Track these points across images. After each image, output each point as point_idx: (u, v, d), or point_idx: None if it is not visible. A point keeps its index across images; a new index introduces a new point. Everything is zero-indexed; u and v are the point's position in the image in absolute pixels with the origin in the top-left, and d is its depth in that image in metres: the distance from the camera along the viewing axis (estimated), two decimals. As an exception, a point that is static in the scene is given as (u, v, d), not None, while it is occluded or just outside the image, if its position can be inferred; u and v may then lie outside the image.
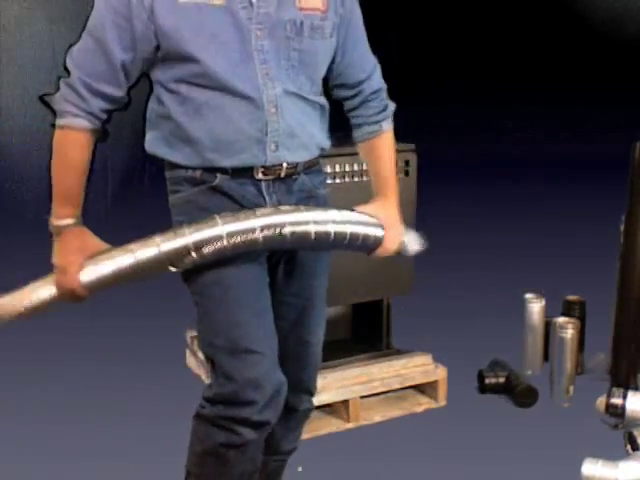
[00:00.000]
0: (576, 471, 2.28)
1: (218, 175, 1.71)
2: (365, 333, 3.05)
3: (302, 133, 1.74)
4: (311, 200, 1.83)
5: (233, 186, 1.72)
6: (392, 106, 1.92)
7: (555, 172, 6.69)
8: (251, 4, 1.63)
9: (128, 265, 1.61)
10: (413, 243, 1.91)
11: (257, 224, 1.64)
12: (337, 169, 2.69)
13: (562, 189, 6.16)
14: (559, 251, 4.68)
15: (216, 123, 1.67)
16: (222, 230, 1.62)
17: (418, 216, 2.83)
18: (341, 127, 1.98)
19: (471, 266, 4.44)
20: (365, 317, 3.04)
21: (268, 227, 1.65)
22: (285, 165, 1.73)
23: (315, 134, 1.79)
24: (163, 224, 1.75)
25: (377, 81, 1.88)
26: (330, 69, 1.81)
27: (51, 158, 1.65)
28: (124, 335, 3.45)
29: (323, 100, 1.80)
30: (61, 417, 2.78)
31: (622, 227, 2.90)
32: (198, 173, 1.71)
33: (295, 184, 1.79)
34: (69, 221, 1.65)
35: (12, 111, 5.48)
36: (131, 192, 5.83)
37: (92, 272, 1.61)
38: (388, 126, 1.90)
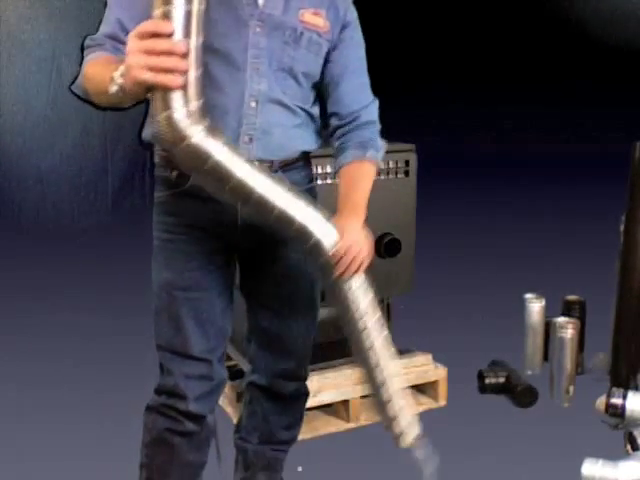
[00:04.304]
0: (576, 471, 2.27)
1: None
2: (365, 333, 3.04)
3: (280, 134, 1.72)
4: None
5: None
6: (382, 144, 1.83)
7: (555, 172, 6.69)
8: (256, 4, 1.65)
9: None
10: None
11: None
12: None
13: (562, 189, 6.16)
14: (559, 251, 4.68)
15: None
16: None
17: (418, 216, 2.84)
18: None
19: (471, 266, 4.44)
20: (365, 317, 3.04)
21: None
22: (257, 164, 1.65)
23: (295, 138, 1.76)
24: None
25: (372, 114, 1.82)
26: (326, 96, 1.80)
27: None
28: (124, 334, 3.45)
29: (313, 110, 1.79)
30: (60, 417, 2.78)
31: (622, 227, 2.90)
32: (174, 175, 1.70)
33: None
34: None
35: (12, 111, 5.46)
36: (132, 191, 5.83)
37: None
38: (373, 158, 1.79)
